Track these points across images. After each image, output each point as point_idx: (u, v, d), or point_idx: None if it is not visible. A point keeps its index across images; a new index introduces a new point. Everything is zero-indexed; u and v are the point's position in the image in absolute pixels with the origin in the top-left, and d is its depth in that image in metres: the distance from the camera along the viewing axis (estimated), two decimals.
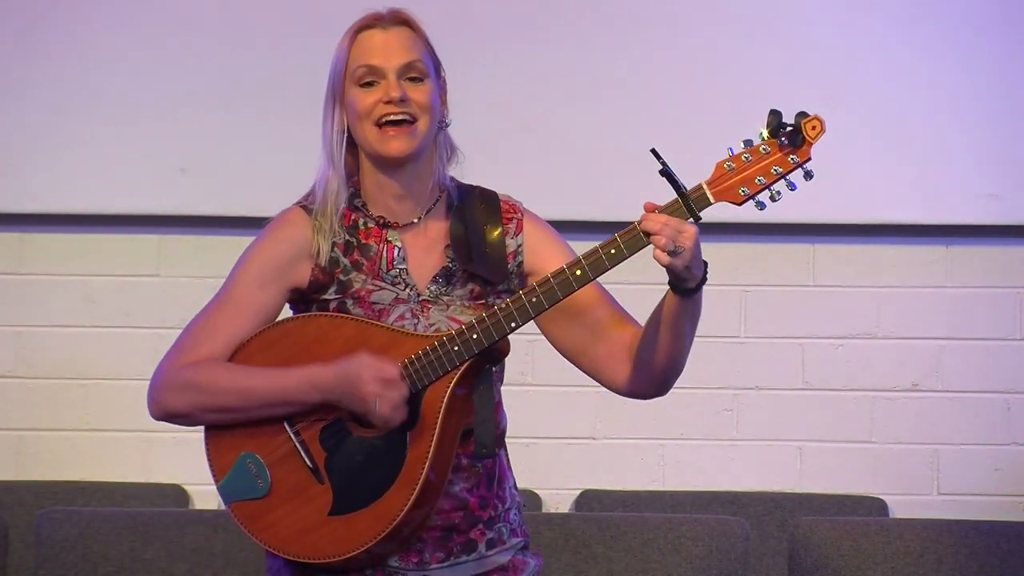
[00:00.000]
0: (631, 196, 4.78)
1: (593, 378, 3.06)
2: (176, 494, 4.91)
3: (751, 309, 5.03)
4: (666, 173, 2.81)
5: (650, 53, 4.94)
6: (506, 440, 3.07)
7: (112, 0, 4.96)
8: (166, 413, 2.99)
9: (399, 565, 2.95)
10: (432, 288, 3.00)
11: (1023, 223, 4.97)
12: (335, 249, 3.01)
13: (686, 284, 2.85)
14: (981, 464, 5.00)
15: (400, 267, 3.00)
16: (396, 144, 2.97)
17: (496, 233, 3.04)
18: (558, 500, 4.95)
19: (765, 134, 2.82)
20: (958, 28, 4.95)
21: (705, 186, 2.83)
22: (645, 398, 3.05)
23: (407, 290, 2.99)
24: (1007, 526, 4.38)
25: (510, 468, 3.10)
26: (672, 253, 2.78)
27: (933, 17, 4.95)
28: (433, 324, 2.98)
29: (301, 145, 4.86)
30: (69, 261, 5.01)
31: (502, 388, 3.08)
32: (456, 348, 2.89)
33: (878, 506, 4.89)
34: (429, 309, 2.99)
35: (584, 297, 2.99)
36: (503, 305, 2.88)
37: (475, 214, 3.05)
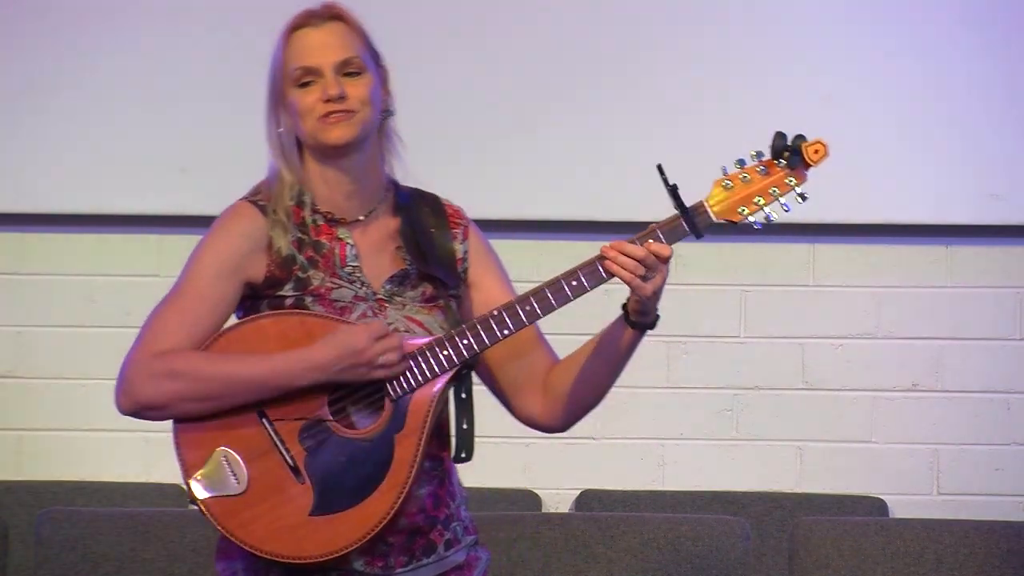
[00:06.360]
0: (629, 198, 4.84)
1: (501, 401, 3.06)
2: (176, 494, 4.90)
3: (751, 309, 5.03)
4: (672, 191, 2.84)
5: (648, 51, 4.94)
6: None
7: (112, 0, 4.96)
8: (139, 405, 2.92)
9: (364, 570, 2.92)
10: (387, 287, 2.99)
11: (1023, 223, 4.97)
12: (290, 246, 2.98)
13: (645, 318, 2.89)
14: (981, 464, 5.00)
15: (353, 264, 2.98)
16: (337, 132, 2.95)
17: (445, 237, 3.04)
18: (558, 500, 4.95)
19: (766, 155, 2.88)
20: (959, 27, 4.95)
21: (707, 205, 2.87)
22: (547, 431, 3.06)
23: (363, 288, 2.98)
24: (1007, 526, 4.38)
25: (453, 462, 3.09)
26: (644, 278, 2.82)
27: (933, 16, 4.95)
28: (391, 323, 2.96)
29: None
30: (69, 261, 5.01)
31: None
32: (447, 353, 2.89)
33: (878, 506, 4.88)
34: (386, 308, 2.98)
35: None
36: (495, 312, 2.89)
37: (422, 216, 3.04)
